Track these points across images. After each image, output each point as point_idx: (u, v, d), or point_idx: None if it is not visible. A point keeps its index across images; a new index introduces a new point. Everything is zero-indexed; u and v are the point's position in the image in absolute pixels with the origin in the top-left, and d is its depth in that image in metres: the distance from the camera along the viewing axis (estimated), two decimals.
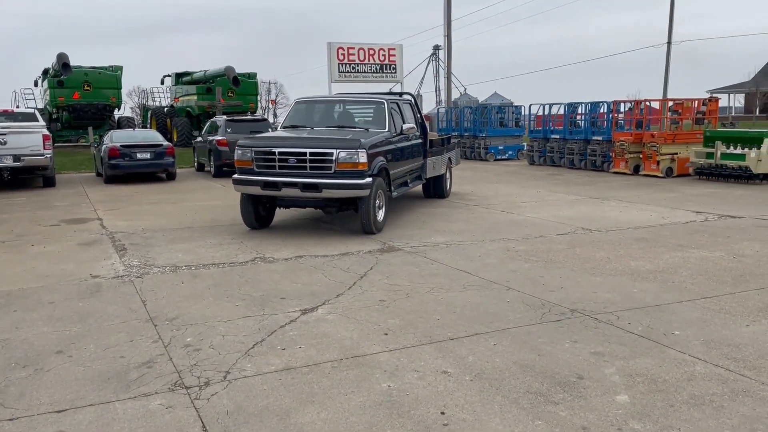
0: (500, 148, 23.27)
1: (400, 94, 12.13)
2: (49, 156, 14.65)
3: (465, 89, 55.33)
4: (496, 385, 3.82)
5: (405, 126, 9.72)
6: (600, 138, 18.17)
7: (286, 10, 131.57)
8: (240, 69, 30.31)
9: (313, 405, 3.60)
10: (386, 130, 9.33)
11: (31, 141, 14.41)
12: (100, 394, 3.74)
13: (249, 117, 24.88)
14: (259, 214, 9.10)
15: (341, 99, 10.83)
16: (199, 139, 19.65)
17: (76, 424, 3.40)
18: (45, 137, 14.64)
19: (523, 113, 24.08)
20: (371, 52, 25.12)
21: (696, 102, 17.75)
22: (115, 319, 5.14)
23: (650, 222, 9.42)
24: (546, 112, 20.73)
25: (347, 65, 24.78)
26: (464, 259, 7.14)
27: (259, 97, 36.24)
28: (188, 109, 31.81)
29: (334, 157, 8.12)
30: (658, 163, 16.01)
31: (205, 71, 31.72)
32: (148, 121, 34.92)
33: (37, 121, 15.56)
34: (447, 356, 4.29)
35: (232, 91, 29.81)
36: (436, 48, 62.68)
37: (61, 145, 29.12)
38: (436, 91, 66.17)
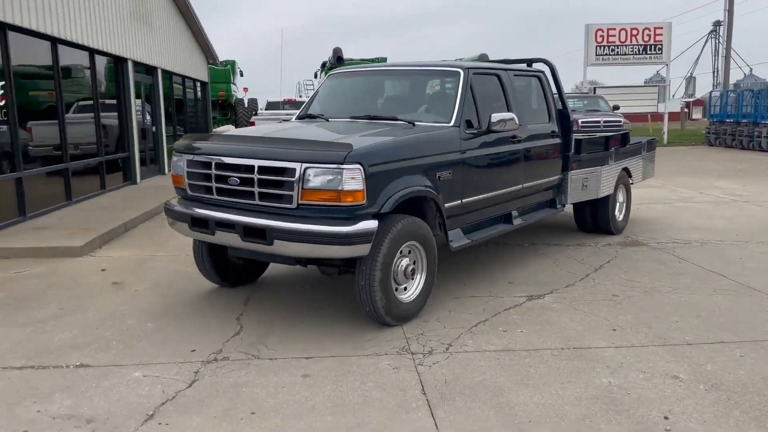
0: None
1: (529, 62, 7.09)
2: None
3: (750, 70, 48.42)
4: (735, 399, 3.44)
5: (495, 117, 5.32)
6: None
7: None
8: (493, 56, 30.60)
9: (527, 387, 3.65)
10: (450, 123, 5.22)
11: None
12: (341, 349, 4.26)
13: None
14: (224, 263, 5.51)
15: (392, 69, 6.40)
16: None
17: (319, 370, 3.94)
18: None
19: None
20: (634, 32, 23.33)
21: None
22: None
23: None
24: None
25: (606, 47, 23.41)
26: (720, 260, 6.40)
27: None
28: None
29: (295, 177, 4.24)
30: None
31: (461, 60, 32.71)
32: None
33: None
34: (681, 361, 3.96)
35: None
36: (717, 24, 55.67)
37: None
38: (713, 72, 59.16)
